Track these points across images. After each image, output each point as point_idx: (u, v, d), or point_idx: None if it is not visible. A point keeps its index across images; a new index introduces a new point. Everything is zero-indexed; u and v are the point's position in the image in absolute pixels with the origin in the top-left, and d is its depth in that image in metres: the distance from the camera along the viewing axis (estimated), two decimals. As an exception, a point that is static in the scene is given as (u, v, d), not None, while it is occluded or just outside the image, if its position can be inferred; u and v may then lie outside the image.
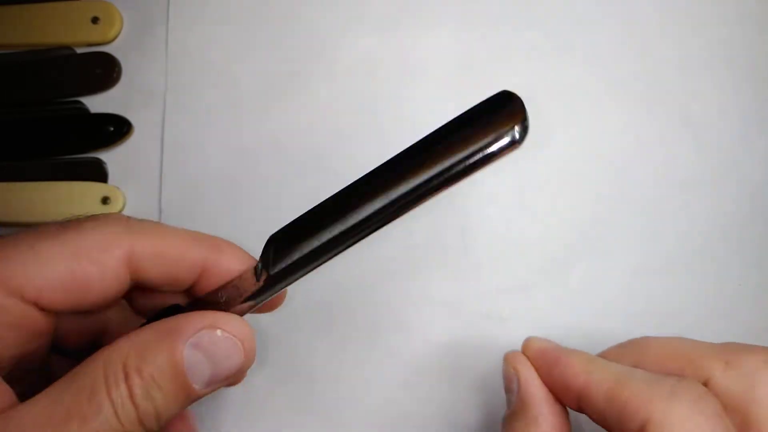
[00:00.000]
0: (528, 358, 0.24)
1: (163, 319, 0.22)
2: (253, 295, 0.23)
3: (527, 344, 0.25)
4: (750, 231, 0.35)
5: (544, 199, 0.36)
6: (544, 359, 0.24)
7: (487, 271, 0.35)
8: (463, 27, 0.38)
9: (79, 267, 0.21)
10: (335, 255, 0.22)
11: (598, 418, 0.22)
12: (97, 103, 0.39)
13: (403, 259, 0.35)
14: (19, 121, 0.39)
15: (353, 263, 0.35)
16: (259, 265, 0.23)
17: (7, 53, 0.40)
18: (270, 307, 0.27)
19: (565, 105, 0.37)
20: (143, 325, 0.23)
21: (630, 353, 0.24)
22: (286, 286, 0.23)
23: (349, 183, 0.22)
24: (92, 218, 0.22)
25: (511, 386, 0.24)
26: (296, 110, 0.38)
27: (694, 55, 0.37)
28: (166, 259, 0.23)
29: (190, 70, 0.39)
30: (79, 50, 0.40)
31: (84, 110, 0.39)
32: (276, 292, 0.23)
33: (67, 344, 0.25)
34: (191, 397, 0.22)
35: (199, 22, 0.39)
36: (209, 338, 0.21)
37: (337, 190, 0.22)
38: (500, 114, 0.20)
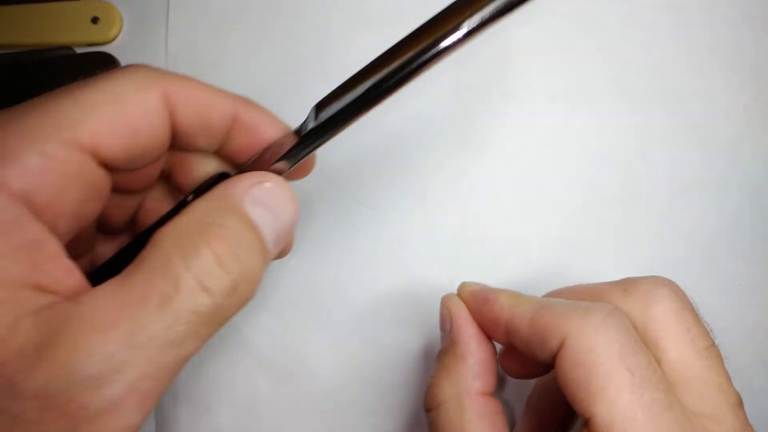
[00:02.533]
0: (462, 299, 0.26)
1: (212, 189, 0.21)
2: (294, 149, 0.23)
3: (461, 288, 0.27)
4: (752, 231, 0.35)
5: (545, 199, 0.36)
6: (476, 300, 0.25)
7: (486, 271, 0.35)
8: (463, 27, 0.38)
9: (124, 109, 0.20)
10: (378, 102, 0.22)
11: (525, 346, 0.23)
12: (97, 103, 0.39)
13: (400, 255, 0.35)
14: (19, 121, 0.39)
15: (352, 262, 0.35)
16: (303, 124, 0.23)
17: (6, 53, 0.40)
18: (303, 173, 0.27)
19: (566, 105, 0.37)
20: (193, 196, 0.23)
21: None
22: (328, 140, 0.23)
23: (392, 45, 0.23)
24: (121, 68, 0.22)
25: (444, 326, 0.26)
26: (296, 110, 0.38)
27: (695, 55, 0.37)
28: (199, 104, 0.23)
29: (189, 71, 0.38)
30: (79, 50, 0.40)
31: (84, 110, 0.39)
32: (318, 146, 0.23)
33: (109, 224, 0.25)
34: (267, 257, 0.21)
35: (199, 23, 0.39)
36: (263, 192, 0.22)
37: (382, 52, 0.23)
38: None
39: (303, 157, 0.23)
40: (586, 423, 0.20)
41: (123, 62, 0.39)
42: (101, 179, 0.21)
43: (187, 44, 0.39)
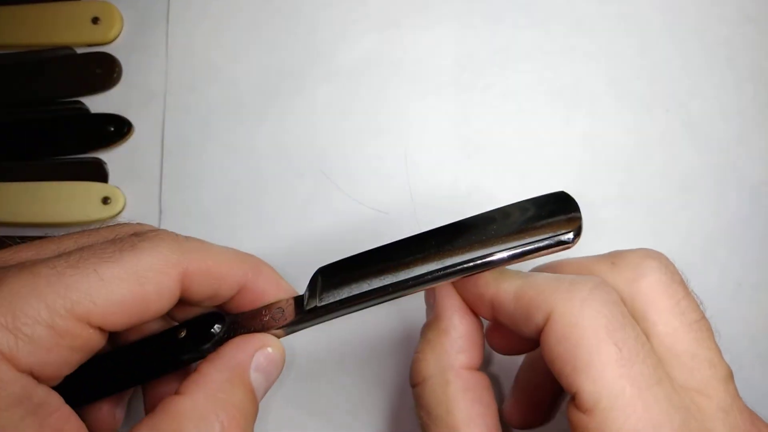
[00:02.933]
0: None
1: (221, 353, 0.24)
2: (294, 323, 0.24)
3: None
4: (749, 231, 0.35)
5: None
6: None
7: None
8: (463, 27, 0.38)
9: (140, 289, 0.22)
10: (379, 302, 0.23)
11: (510, 322, 0.23)
12: (97, 103, 0.39)
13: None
14: (19, 121, 0.39)
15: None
16: (306, 294, 0.24)
17: (7, 53, 0.40)
18: None
19: (565, 105, 0.37)
20: (186, 332, 0.25)
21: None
22: (327, 321, 0.24)
23: (405, 237, 0.24)
24: (146, 237, 0.23)
25: (429, 300, 0.26)
26: (296, 110, 0.38)
27: (694, 55, 0.37)
28: (212, 278, 0.24)
29: (190, 71, 0.39)
30: (80, 50, 0.40)
31: (84, 110, 0.39)
32: (316, 324, 0.24)
33: None
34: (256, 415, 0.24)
35: (200, 23, 0.39)
36: (264, 358, 0.24)
37: (392, 241, 0.24)
38: (558, 216, 0.22)
39: (300, 329, 0.25)
40: (573, 398, 0.20)
41: (123, 62, 0.39)
42: (102, 341, 0.23)
43: (187, 44, 0.39)
